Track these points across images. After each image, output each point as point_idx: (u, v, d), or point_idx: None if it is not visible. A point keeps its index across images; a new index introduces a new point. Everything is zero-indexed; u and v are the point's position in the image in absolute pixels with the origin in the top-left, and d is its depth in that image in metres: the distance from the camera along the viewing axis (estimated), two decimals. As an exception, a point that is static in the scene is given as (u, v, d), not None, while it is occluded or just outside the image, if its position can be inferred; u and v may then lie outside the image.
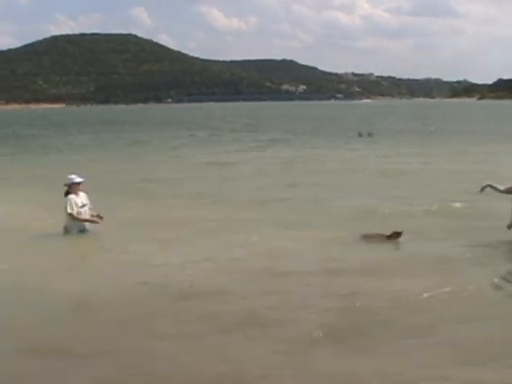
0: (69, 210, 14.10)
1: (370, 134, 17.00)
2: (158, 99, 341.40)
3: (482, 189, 13.18)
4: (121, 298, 9.82)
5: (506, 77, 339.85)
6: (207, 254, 12.23)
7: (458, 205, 16.41)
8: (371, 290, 9.69)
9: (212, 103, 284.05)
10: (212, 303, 9.43)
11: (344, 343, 7.81)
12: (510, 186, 12.93)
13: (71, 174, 14.72)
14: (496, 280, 10.04)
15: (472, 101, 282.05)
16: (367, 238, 13.12)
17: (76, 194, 14.26)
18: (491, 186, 13.11)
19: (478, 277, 10.27)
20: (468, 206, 15.94)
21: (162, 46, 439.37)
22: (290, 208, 17.42)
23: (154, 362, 7.29)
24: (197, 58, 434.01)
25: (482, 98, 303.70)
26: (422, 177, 23.48)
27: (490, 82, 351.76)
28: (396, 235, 12.92)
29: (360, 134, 17.32)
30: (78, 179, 14.38)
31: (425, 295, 9.17)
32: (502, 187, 13.02)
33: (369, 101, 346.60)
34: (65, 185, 14.38)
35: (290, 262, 11.67)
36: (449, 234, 13.37)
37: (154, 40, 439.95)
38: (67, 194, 14.28)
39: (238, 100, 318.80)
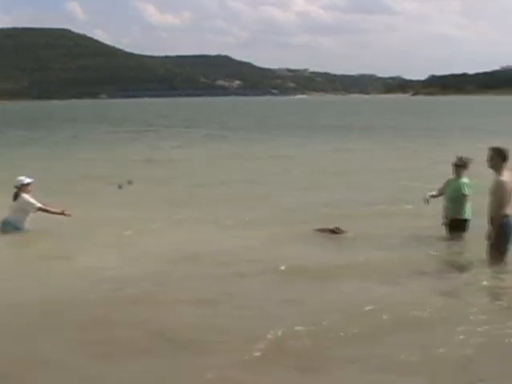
0: (38, 205, 14.11)
1: (129, 183, 16.58)
2: (93, 95, 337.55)
3: (426, 201, 13.21)
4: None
5: (438, 73, 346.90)
6: (143, 255, 12.00)
7: (408, 206, 16.19)
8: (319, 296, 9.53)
9: (147, 99, 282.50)
10: (135, 313, 8.85)
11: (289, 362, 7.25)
12: (441, 186, 13.28)
13: (20, 176, 14.57)
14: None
15: (406, 97, 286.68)
16: (320, 231, 13.36)
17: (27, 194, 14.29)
18: (432, 196, 13.27)
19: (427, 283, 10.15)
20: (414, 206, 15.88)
21: (96, 41, 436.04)
22: (234, 205, 17.17)
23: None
24: (132, 54, 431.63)
25: (415, 93, 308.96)
26: (363, 174, 23.45)
27: (423, 78, 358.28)
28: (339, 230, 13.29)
29: (120, 186, 16.87)
30: (28, 180, 14.39)
31: (371, 305, 8.83)
32: (436, 192, 13.32)
33: (304, 96, 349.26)
34: (14, 187, 14.31)
35: (236, 263, 11.45)
36: (399, 235, 13.34)
37: (89, 35, 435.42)
38: (16, 195, 14.22)
39: (173, 96, 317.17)
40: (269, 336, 7.66)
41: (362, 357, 7.25)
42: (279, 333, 7.74)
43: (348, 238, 13.17)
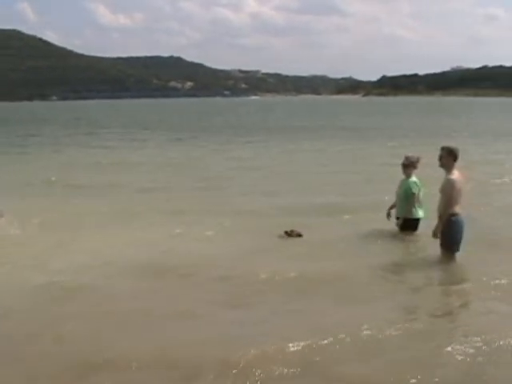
0: None
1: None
2: (43, 96, 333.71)
3: (388, 215, 13.42)
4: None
5: (389, 74, 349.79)
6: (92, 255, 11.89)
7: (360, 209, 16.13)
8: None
9: (99, 100, 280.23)
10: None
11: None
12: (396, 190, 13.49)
13: None
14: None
15: (357, 97, 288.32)
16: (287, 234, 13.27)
17: None
18: (391, 208, 13.45)
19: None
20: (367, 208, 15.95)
21: (46, 43, 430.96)
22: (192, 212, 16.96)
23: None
24: (83, 55, 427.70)
25: (366, 94, 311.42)
26: (317, 176, 23.52)
27: (374, 78, 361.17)
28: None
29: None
30: None
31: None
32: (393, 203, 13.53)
33: (257, 97, 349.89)
34: None
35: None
36: (352, 239, 13.34)
37: (39, 36, 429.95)
38: None
39: (125, 97, 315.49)
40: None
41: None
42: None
43: (304, 241, 12.98)
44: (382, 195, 15.46)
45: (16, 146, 39.53)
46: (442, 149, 11.03)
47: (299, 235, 13.18)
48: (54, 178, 22.85)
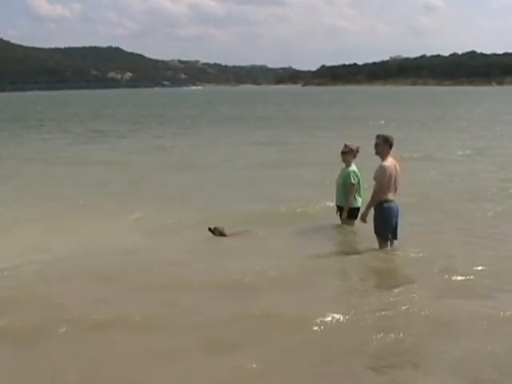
0: None
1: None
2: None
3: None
4: None
5: (328, 64, 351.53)
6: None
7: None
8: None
9: (36, 92, 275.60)
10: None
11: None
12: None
13: None
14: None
15: (297, 87, 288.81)
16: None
17: None
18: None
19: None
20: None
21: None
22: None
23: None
24: (19, 45, 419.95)
25: (306, 84, 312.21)
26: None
27: (313, 68, 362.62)
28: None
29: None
30: None
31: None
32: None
33: (199, 88, 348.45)
34: None
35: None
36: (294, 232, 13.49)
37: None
38: None
39: (63, 88, 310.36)
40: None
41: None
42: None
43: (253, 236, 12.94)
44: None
45: None
46: (378, 137, 11.26)
47: (222, 234, 12.84)
48: None
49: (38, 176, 22.11)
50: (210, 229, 12.88)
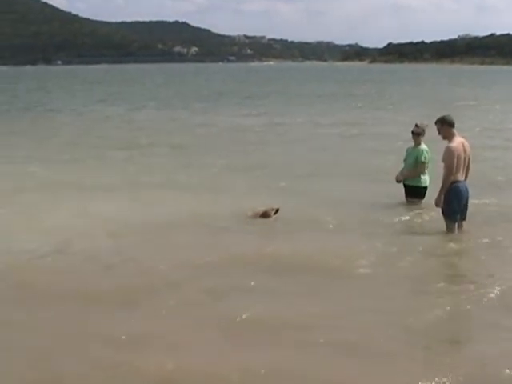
0: None
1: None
2: (47, 61, 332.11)
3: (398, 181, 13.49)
4: None
5: (395, 41, 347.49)
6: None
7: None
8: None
9: (105, 65, 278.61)
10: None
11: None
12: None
13: None
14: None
15: (363, 64, 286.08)
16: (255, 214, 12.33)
17: None
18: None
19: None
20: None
21: (51, 7, 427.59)
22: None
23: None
24: (87, 19, 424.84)
25: (372, 61, 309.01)
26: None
27: (380, 46, 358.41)
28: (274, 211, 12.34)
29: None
30: None
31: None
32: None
33: (271, 63, 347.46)
34: None
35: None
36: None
37: (43, 0, 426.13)
38: None
39: (128, 62, 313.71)
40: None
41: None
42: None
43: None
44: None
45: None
46: (436, 122, 11.01)
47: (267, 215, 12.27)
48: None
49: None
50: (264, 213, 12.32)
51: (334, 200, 13.89)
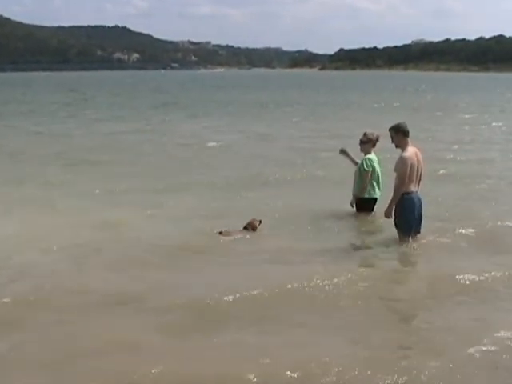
0: None
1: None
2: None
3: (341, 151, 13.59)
4: None
5: (347, 47, 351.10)
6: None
7: None
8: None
9: (40, 72, 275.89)
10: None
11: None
12: None
13: None
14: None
15: (313, 71, 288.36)
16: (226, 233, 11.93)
17: None
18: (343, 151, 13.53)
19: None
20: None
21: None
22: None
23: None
24: (21, 23, 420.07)
25: (322, 68, 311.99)
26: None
27: (331, 52, 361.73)
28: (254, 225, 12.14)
29: None
30: None
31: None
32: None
33: (219, 70, 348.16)
34: None
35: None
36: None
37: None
38: None
39: (66, 69, 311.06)
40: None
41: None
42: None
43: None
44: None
45: None
46: (390, 129, 11.00)
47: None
48: None
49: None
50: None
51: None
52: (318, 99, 61.92)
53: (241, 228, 12.01)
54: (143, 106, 52.52)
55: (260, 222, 12.16)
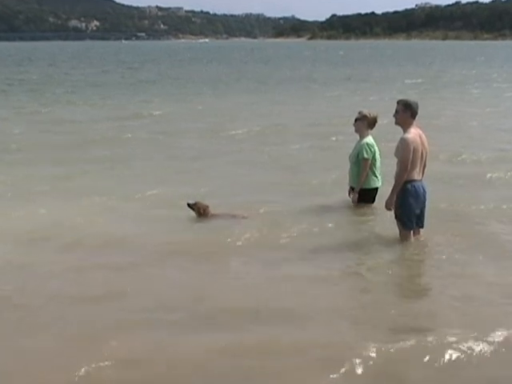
0: None
1: None
2: None
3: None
4: None
5: (340, 13, 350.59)
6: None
7: None
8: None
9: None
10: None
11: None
12: None
13: None
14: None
15: (301, 41, 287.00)
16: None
17: None
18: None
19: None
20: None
21: None
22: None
23: None
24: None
25: (312, 37, 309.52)
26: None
27: (322, 18, 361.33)
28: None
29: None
30: None
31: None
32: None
33: (207, 40, 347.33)
34: None
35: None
36: None
37: None
38: None
39: (13, 39, 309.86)
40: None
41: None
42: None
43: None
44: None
45: None
46: (398, 102, 10.83)
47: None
48: None
49: None
50: (189, 204, 12.76)
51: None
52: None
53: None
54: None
55: (207, 206, 12.71)
